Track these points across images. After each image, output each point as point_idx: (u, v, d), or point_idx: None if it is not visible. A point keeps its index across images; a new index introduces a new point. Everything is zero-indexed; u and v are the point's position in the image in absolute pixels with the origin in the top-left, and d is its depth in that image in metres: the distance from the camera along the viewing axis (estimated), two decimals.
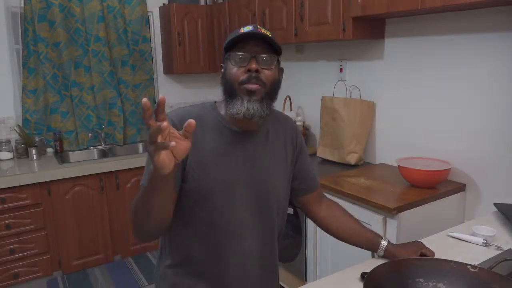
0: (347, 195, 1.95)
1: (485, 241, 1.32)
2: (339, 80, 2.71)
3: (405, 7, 1.83)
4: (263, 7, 2.80)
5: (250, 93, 0.99)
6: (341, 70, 2.69)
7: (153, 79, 3.58)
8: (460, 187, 2.01)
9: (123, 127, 3.40)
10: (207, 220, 1.06)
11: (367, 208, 1.87)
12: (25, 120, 3.06)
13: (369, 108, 2.46)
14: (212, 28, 3.50)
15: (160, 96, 0.73)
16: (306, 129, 3.00)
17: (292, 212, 2.34)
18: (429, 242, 1.30)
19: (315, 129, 2.95)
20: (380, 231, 1.78)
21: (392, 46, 2.34)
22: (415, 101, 2.25)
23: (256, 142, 1.10)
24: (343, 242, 1.27)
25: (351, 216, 1.27)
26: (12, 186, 2.56)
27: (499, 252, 1.27)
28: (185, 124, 0.76)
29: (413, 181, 1.98)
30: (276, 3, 2.67)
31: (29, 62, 3.01)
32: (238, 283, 1.12)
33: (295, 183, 1.22)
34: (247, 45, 0.99)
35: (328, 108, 2.54)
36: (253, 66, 0.98)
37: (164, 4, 3.56)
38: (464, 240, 1.36)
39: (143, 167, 1.12)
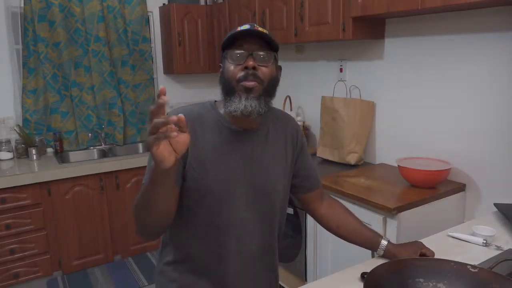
0: (347, 195, 1.96)
1: (485, 241, 1.32)
2: (339, 80, 2.71)
3: (405, 7, 1.83)
4: (263, 7, 2.80)
5: (248, 90, 0.99)
6: (341, 70, 2.69)
7: (153, 79, 3.58)
8: (460, 187, 2.01)
9: (123, 127, 3.40)
10: (207, 219, 1.07)
11: (367, 208, 1.87)
12: (25, 120, 3.06)
13: (369, 108, 2.46)
14: (212, 28, 3.50)
15: (161, 86, 0.74)
16: (306, 129, 3.00)
17: (292, 212, 2.34)
18: (429, 242, 1.30)
19: (315, 129, 2.95)
20: (380, 231, 1.78)
21: (392, 46, 2.34)
22: (415, 101, 2.25)
23: (255, 141, 1.10)
24: (343, 242, 1.27)
25: (352, 214, 1.27)
26: (12, 186, 2.56)
27: (499, 252, 1.27)
28: (175, 119, 0.75)
29: (413, 181, 1.98)
30: (276, 3, 2.67)
31: (29, 62, 3.01)
32: (238, 282, 1.12)
33: (296, 181, 1.22)
34: (244, 43, 1.00)
35: (328, 108, 2.54)
36: (250, 63, 0.98)
37: (164, 4, 3.56)
38: (464, 240, 1.36)
39: (143, 167, 1.13)
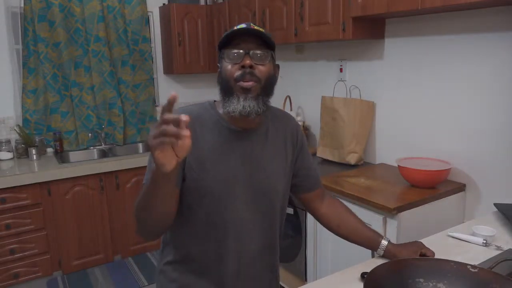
0: (347, 195, 1.96)
1: (485, 241, 1.32)
2: (339, 80, 2.71)
3: (405, 7, 1.83)
4: (263, 7, 2.81)
5: (246, 90, 0.99)
6: (341, 70, 2.69)
7: (153, 79, 3.58)
8: (460, 187, 2.01)
9: (123, 127, 3.40)
10: (206, 218, 1.07)
11: (367, 208, 1.87)
12: (25, 120, 3.06)
13: (369, 108, 2.46)
14: (212, 28, 3.50)
15: (173, 93, 0.71)
16: (306, 129, 3.00)
17: (292, 212, 2.34)
18: (429, 242, 1.30)
19: (315, 129, 2.95)
20: (380, 231, 1.77)
21: (392, 46, 2.34)
22: (415, 101, 2.25)
23: (255, 141, 1.10)
24: (343, 242, 1.27)
25: (352, 214, 1.27)
26: (12, 186, 2.56)
27: (499, 252, 1.27)
28: (186, 119, 0.73)
29: (413, 181, 1.98)
30: (276, 3, 2.67)
31: (29, 62, 3.01)
32: (238, 282, 1.12)
33: (296, 181, 1.22)
34: (241, 42, 1.00)
35: (328, 108, 2.54)
36: (247, 62, 0.99)
37: (164, 4, 3.56)
38: (464, 240, 1.36)
39: (144, 167, 1.13)
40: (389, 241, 1.20)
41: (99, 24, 3.16)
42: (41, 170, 2.68)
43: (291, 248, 2.41)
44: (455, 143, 2.06)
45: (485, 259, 1.21)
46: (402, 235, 1.77)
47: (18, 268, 2.67)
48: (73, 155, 3.20)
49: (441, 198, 1.92)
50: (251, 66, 0.99)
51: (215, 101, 1.14)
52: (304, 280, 2.35)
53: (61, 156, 3.11)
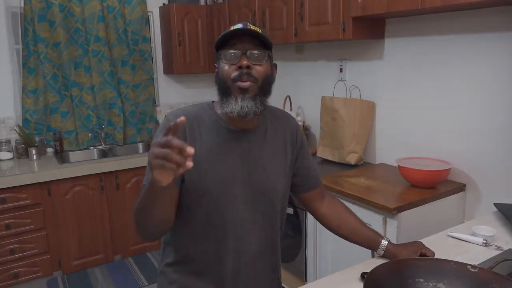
0: (347, 195, 1.96)
1: (485, 241, 1.32)
2: (339, 80, 2.71)
3: (405, 7, 1.83)
4: (263, 7, 2.81)
5: (243, 91, 1.00)
6: (341, 70, 2.69)
7: (153, 79, 3.58)
8: (460, 187, 2.01)
9: (123, 127, 3.40)
10: (206, 218, 1.07)
11: (367, 208, 1.87)
12: (25, 120, 3.06)
13: (369, 108, 2.46)
14: (212, 28, 3.50)
15: (182, 117, 0.73)
16: (306, 129, 3.00)
17: (292, 212, 2.34)
18: (429, 242, 1.30)
19: (315, 129, 2.95)
20: (380, 231, 1.77)
21: (392, 46, 2.34)
22: (415, 101, 2.25)
23: (253, 141, 1.10)
24: (343, 242, 1.27)
25: (353, 214, 1.27)
26: (12, 186, 2.56)
27: (499, 252, 1.27)
28: (191, 151, 0.73)
29: (413, 181, 1.98)
30: (276, 3, 2.67)
31: (29, 62, 3.01)
32: (238, 282, 1.12)
33: (296, 180, 1.22)
34: (238, 42, 1.01)
35: (328, 108, 2.54)
36: (244, 62, 0.99)
37: (164, 4, 3.56)
38: (464, 240, 1.36)
39: (143, 167, 1.13)
40: (389, 241, 1.20)
41: (99, 24, 3.16)
42: (41, 170, 2.68)
43: (291, 248, 2.41)
44: (455, 143, 2.06)
45: (485, 259, 1.21)
46: (402, 235, 1.77)
47: (18, 268, 2.67)
48: (73, 155, 3.20)
49: (441, 198, 1.92)
50: (248, 67, 0.99)
51: (213, 101, 1.14)
52: (304, 280, 2.35)
53: (61, 156, 3.11)
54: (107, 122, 3.36)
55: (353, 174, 2.26)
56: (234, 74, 1.00)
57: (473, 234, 1.36)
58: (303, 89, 3.07)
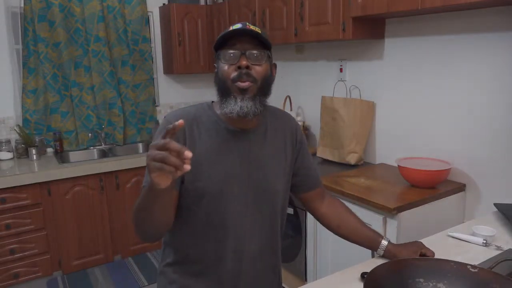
0: (347, 195, 1.96)
1: (485, 241, 1.32)
2: (339, 80, 2.71)
3: (405, 7, 1.83)
4: (263, 7, 2.80)
5: (243, 91, 1.00)
6: (341, 70, 2.69)
7: (153, 79, 3.58)
8: (460, 187, 2.01)
9: (123, 127, 3.40)
10: (205, 219, 1.07)
11: (367, 208, 1.87)
12: (25, 120, 3.06)
13: (369, 108, 2.46)
14: (212, 28, 3.50)
15: (181, 121, 0.74)
16: (306, 129, 3.00)
17: (292, 212, 2.34)
18: (429, 242, 1.30)
19: (315, 129, 2.95)
20: (380, 231, 1.77)
21: (392, 46, 2.34)
22: (415, 101, 2.25)
23: (253, 141, 1.10)
24: (343, 242, 1.27)
25: (353, 213, 1.27)
26: (12, 186, 2.56)
27: (499, 252, 1.27)
28: (189, 155, 0.74)
29: (413, 181, 1.98)
30: (276, 3, 2.67)
31: (29, 62, 3.01)
32: (238, 283, 1.12)
33: (296, 180, 1.22)
34: (237, 42, 1.01)
35: (328, 108, 2.54)
36: (243, 62, 0.99)
37: (164, 4, 3.56)
38: (464, 240, 1.36)
39: (143, 167, 1.13)
40: (389, 241, 1.20)
41: (99, 24, 3.16)
42: (41, 170, 2.68)
43: (291, 248, 2.41)
44: (455, 143, 2.06)
45: (485, 259, 1.21)
46: (402, 235, 1.77)
47: (18, 268, 2.67)
48: (73, 155, 3.20)
49: (441, 198, 1.92)
50: (247, 67, 0.99)
51: (213, 102, 1.14)
52: (304, 280, 2.35)
53: (61, 156, 3.11)
54: (107, 122, 3.36)
55: (353, 174, 2.26)
56: (234, 74, 1.00)
57: (473, 234, 1.36)
58: (303, 89, 3.07)
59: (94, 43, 3.18)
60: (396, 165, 2.09)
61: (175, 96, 3.80)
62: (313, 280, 2.23)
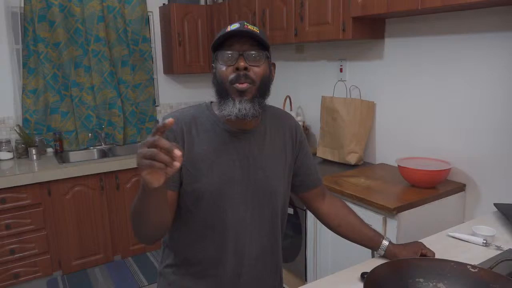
0: (347, 195, 1.96)
1: (485, 241, 1.32)
2: (339, 80, 2.71)
3: (405, 7, 1.83)
4: (263, 7, 2.81)
5: (241, 93, 0.98)
6: (341, 70, 2.69)
7: (153, 79, 3.58)
8: (460, 187, 2.01)
9: (123, 127, 3.40)
10: (205, 220, 1.06)
11: (367, 208, 1.87)
12: (25, 120, 3.06)
13: (369, 108, 2.46)
14: (212, 28, 3.50)
15: (171, 119, 0.74)
16: (306, 129, 3.00)
17: (292, 212, 2.34)
18: (429, 242, 1.30)
19: (315, 129, 2.95)
20: (380, 231, 1.76)
21: (392, 46, 2.34)
22: (415, 101, 2.25)
23: (252, 141, 1.09)
24: (343, 242, 1.27)
25: (353, 213, 1.27)
26: (12, 186, 2.56)
27: (499, 252, 1.27)
28: (179, 153, 0.74)
29: (413, 181, 1.98)
30: (276, 3, 2.67)
31: (29, 62, 3.01)
32: (238, 284, 1.12)
33: (297, 180, 1.22)
34: (235, 42, 0.99)
35: (328, 108, 2.54)
36: (241, 64, 0.97)
37: (164, 4, 3.56)
38: (464, 240, 1.36)
39: None
40: (389, 241, 1.20)
41: (99, 24, 3.16)
42: (41, 170, 2.68)
43: (291, 248, 2.41)
44: (455, 143, 2.06)
45: (485, 259, 1.21)
46: (402, 235, 1.77)
47: (18, 268, 2.67)
48: (73, 155, 3.20)
49: (441, 198, 1.92)
50: (245, 68, 0.97)
51: (211, 102, 1.12)
52: (304, 280, 2.35)
53: (61, 156, 3.11)
54: (107, 122, 3.36)
55: (353, 174, 2.26)
56: (232, 76, 0.98)
57: (473, 234, 1.36)
58: (303, 89, 3.07)
59: (94, 43, 3.18)
60: (396, 165, 2.09)
61: (175, 96, 3.80)
62: (313, 280, 2.23)
